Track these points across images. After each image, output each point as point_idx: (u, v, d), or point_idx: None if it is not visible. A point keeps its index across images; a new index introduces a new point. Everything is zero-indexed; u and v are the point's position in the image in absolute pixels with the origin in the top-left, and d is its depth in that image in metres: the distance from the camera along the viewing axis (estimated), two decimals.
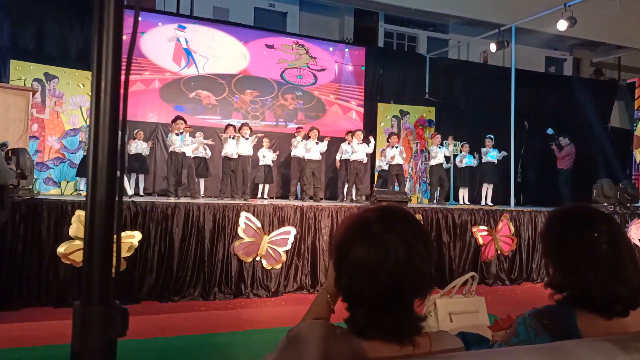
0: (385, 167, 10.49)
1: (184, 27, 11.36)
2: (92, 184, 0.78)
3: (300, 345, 1.17)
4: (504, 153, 10.43)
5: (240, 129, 9.12)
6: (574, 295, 1.42)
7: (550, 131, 11.92)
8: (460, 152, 11.15)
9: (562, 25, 10.05)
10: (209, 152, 9.91)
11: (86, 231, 0.78)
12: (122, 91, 0.81)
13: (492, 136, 10.71)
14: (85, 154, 9.12)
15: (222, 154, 9.14)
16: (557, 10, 10.02)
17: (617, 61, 17.51)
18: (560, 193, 11.15)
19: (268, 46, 12.17)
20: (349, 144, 9.95)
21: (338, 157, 10.22)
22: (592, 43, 16.16)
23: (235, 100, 11.66)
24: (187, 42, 11.34)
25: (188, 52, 11.35)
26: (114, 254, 0.79)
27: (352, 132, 10.16)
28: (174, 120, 8.69)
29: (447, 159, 10.80)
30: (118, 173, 0.80)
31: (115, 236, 0.79)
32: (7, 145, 5.68)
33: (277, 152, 10.70)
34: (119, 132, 0.82)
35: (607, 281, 1.36)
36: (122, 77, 0.82)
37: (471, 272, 2.82)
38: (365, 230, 1.14)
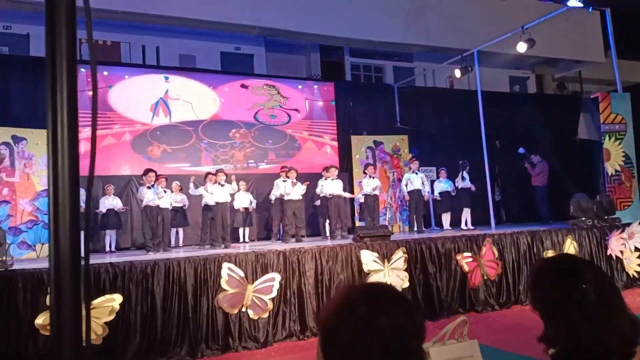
0: (362, 200, 10.52)
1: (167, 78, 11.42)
2: (54, 250, 0.73)
3: None
4: (472, 186, 10.53)
5: (215, 175, 9.06)
6: (568, 350, 1.39)
7: (521, 150, 12.11)
8: (438, 177, 11.25)
9: (521, 47, 10.35)
10: (186, 202, 9.86)
11: (52, 302, 0.72)
12: (88, 148, 0.77)
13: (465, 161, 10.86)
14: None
15: (202, 203, 9.12)
16: (516, 33, 10.32)
17: (578, 75, 18.04)
18: (538, 210, 11.28)
19: (243, 86, 12.22)
20: (326, 179, 9.96)
21: (318, 192, 10.17)
22: (552, 60, 16.67)
23: (203, 145, 11.61)
24: (164, 92, 11.36)
25: (159, 102, 11.33)
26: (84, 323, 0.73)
27: (327, 168, 10.19)
28: (144, 173, 8.61)
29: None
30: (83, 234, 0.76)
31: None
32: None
33: (255, 201, 10.64)
34: (83, 191, 0.77)
35: (599, 332, 1.33)
36: (83, 134, 0.79)
37: (462, 316, 2.78)
38: (351, 312, 1.10)
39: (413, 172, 10.59)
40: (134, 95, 11.11)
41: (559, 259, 1.57)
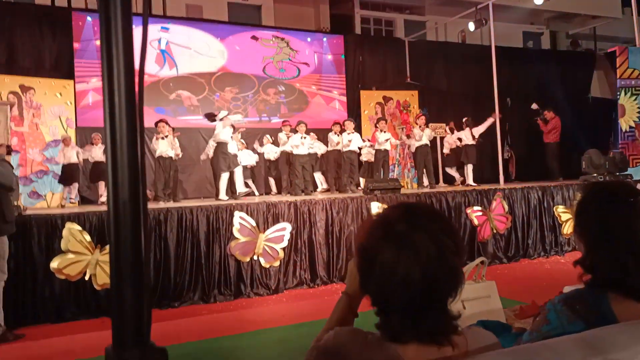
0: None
1: (167, 29, 11.18)
2: (113, 195, 0.73)
3: (333, 357, 1.11)
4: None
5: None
6: (608, 278, 1.35)
7: (534, 106, 11.93)
8: (447, 133, 11.17)
9: None
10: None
11: (111, 249, 0.72)
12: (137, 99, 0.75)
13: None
14: (64, 162, 8.91)
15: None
16: None
17: (592, 31, 17.63)
18: (549, 167, 11.20)
19: (254, 38, 11.99)
20: (336, 134, 9.87)
21: (329, 147, 10.14)
22: (567, 15, 16.25)
23: (216, 98, 11.50)
24: (164, 43, 11.16)
25: (164, 53, 11.16)
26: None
27: (339, 123, 10.09)
28: (156, 124, 8.53)
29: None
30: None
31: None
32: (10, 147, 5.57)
33: (257, 157, 10.64)
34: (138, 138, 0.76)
35: None
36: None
37: (480, 257, 2.77)
38: (390, 231, 1.07)
39: (420, 127, 10.46)
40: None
41: (614, 185, 1.49)
